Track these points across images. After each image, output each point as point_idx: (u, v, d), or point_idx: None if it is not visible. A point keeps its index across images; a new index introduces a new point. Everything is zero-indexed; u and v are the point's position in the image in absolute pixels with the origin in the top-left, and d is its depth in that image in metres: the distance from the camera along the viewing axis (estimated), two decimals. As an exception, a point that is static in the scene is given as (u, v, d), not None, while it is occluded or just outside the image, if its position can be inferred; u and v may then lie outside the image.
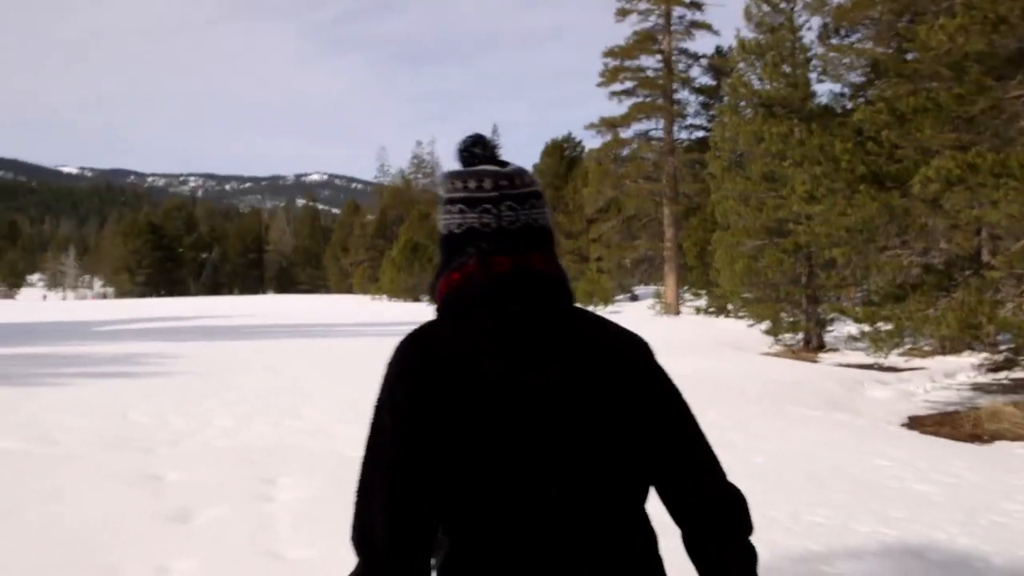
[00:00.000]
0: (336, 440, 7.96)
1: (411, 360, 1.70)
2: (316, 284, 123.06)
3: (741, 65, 27.10)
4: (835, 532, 5.62)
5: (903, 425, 13.69)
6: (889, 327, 14.90)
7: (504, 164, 1.81)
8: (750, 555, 1.76)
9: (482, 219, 1.75)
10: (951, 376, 19.34)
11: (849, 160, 13.66)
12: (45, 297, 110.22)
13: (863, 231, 14.84)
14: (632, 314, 47.14)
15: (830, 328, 27.42)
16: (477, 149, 1.82)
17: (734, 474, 4.54)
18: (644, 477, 1.78)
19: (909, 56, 20.27)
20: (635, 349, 1.84)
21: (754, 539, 1.78)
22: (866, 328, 15.14)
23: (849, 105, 25.38)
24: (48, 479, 6.02)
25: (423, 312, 2.24)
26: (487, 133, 1.85)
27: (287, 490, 5.98)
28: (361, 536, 1.66)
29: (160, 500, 5.58)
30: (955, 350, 22.46)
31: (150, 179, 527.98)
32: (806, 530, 5.61)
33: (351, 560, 1.65)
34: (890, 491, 7.11)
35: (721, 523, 1.77)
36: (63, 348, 17.31)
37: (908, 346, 15.55)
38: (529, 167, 2.21)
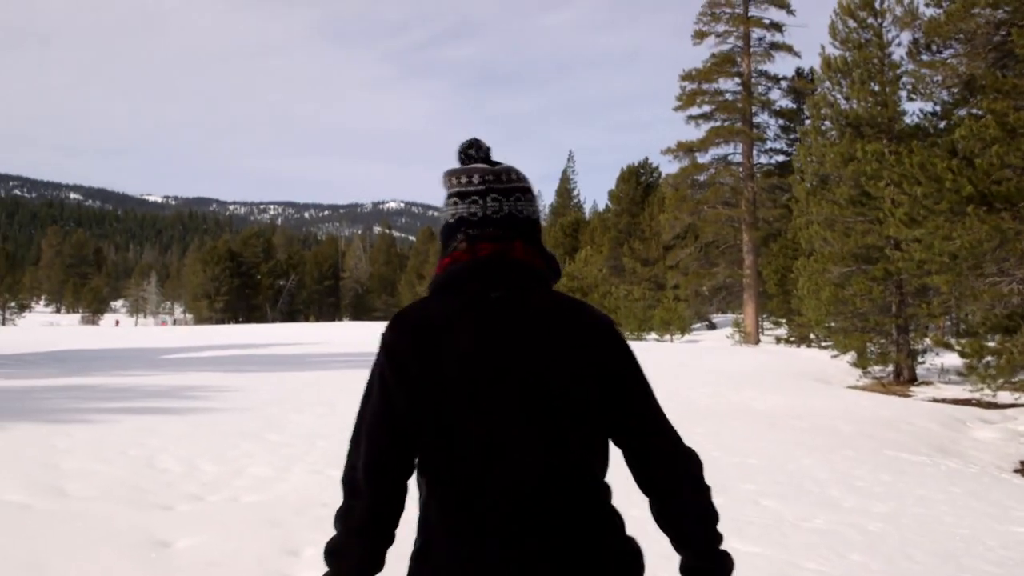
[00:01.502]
0: (378, 495, 7.04)
1: (394, 331, 1.96)
2: (391, 311, 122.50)
3: (826, 84, 25.93)
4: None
5: (1016, 471, 12.42)
6: (999, 361, 13.57)
7: (495, 164, 2.05)
8: (711, 516, 1.98)
9: (470, 209, 1.99)
10: (1060, 414, 17.91)
11: (954, 180, 12.45)
12: (117, 323, 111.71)
13: (969, 257, 13.56)
14: (710, 343, 45.81)
15: (921, 360, 25.98)
16: (472, 151, 2.06)
17: (847, 543, 5.19)
18: (603, 449, 1.99)
19: (1008, 72, 19.00)
20: (599, 323, 1.99)
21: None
22: (973, 362, 13.80)
23: (942, 124, 24.08)
24: (37, 541, 5.20)
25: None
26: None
27: (311, 567, 5.04)
28: (347, 477, 1.95)
29: (158, 576, 4.71)
30: (1061, 384, 20.92)
31: (231, 207, 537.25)
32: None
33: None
34: (1039, 573, 5.96)
35: (682, 489, 1.99)
36: (114, 379, 16.76)
37: (1001, 380, 14.29)
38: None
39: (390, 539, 1.98)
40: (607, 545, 1.94)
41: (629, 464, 2.04)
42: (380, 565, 1.97)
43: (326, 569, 1.95)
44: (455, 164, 2.06)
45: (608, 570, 1.93)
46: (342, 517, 1.95)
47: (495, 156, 2.07)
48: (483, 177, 2.00)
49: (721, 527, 2.00)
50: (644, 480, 2.05)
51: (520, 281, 1.96)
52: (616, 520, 2.01)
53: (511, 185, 2.02)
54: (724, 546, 2.01)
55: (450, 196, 2.04)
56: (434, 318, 1.94)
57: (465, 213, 1.99)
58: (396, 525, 1.99)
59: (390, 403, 1.91)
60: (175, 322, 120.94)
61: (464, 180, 2.01)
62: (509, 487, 1.85)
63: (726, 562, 1.98)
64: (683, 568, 2.02)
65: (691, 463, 2.01)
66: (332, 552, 1.95)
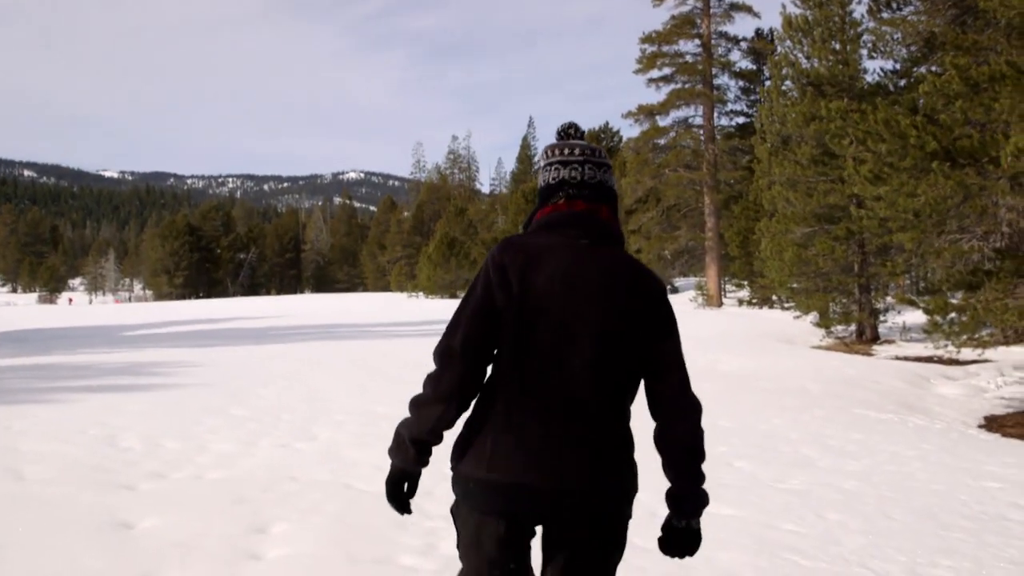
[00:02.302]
0: (349, 470, 6.87)
1: (504, 250, 2.48)
2: (353, 282, 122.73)
3: (787, 43, 25.82)
4: (971, 597, 4.47)
5: (981, 426, 12.51)
6: (962, 318, 13.60)
7: (586, 138, 2.66)
8: (699, 452, 2.50)
9: (571, 173, 2.56)
10: (1022, 369, 18.11)
11: (918, 136, 12.39)
12: (71, 301, 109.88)
13: (932, 214, 13.54)
14: (674, 307, 45.92)
15: (883, 318, 26.15)
16: (571, 130, 2.65)
17: (824, 503, 5.70)
18: (636, 382, 2.52)
19: (968, 28, 18.98)
20: (655, 283, 2.57)
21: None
22: (937, 319, 13.82)
23: (902, 83, 24.08)
24: (-6, 528, 5.00)
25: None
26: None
27: (278, 544, 4.88)
28: (443, 349, 2.46)
29: (121, 560, 4.51)
30: (1021, 340, 21.13)
31: (190, 181, 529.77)
32: (933, 593, 4.46)
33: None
34: (1017, 527, 5.92)
35: (684, 436, 2.50)
36: (74, 357, 16.37)
37: (964, 337, 14.33)
38: None
39: (465, 406, 2.51)
40: (622, 452, 2.49)
41: (648, 391, 2.56)
42: (452, 424, 2.52)
43: (407, 415, 2.53)
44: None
45: (620, 470, 2.47)
46: (433, 382, 2.49)
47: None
48: (583, 151, 2.60)
49: (707, 476, 2.59)
50: (655, 407, 2.56)
51: (604, 236, 2.56)
52: (631, 439, 2.54)
53: (603, 161, 2.63)
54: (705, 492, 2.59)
55: (551, 163, 2.62)
56: (532, 247, 2.48)
57: (567, 176, 2.57)
58: (473, 397, 2.52)
59: (491, 299, 2.45)
60: (130, 298, 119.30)
61: (567, 152, 2.60)
62: (561, 381, 2.40)
63: (701, 497, 2.54)
64: (667, 495, 2.58)
65: (694, 407, 2.54)
66: (417, 405, 2.51)
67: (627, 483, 2.49)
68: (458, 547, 2.54)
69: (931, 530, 5.73)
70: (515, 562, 2.44)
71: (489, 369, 2.52)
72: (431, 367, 2.53)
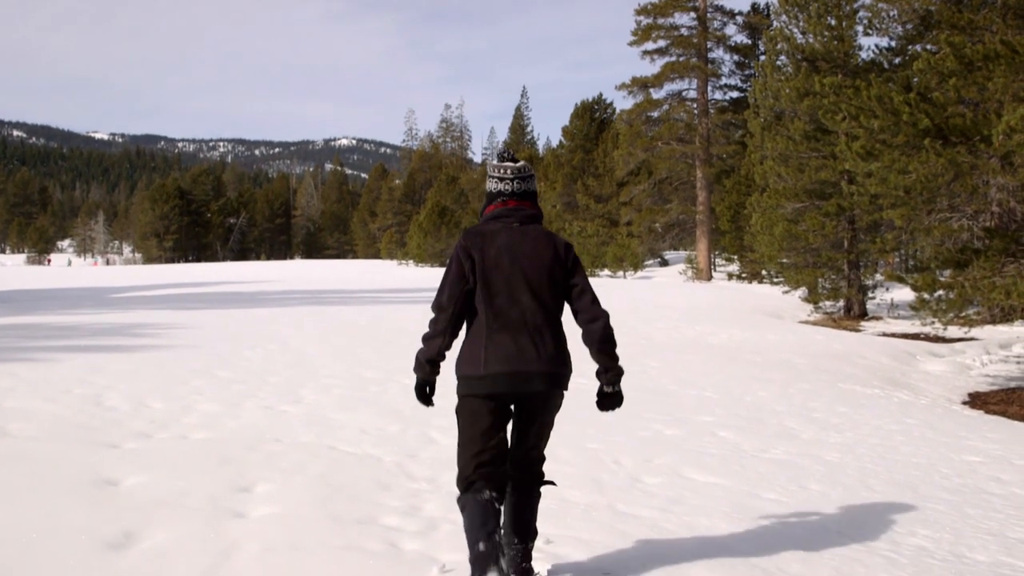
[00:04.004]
0: (333, 432, 6.88)
1: (464, 237, 3.86)
2: (344, 249, 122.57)
3: (783, 18, 25.73)
4: (949, 565, 4.48)
5: (964, 403, 12.60)
6: (950, 295, 13.65)
7: (517, 160, 3.98)
8: (610, 342, 3.86)
9: (506, 187, 3.94)
10: (1006, 347, 18.23)
11: (911, 113, 12.37)
12: (49, 262, 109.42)
13: (923, 191, 13.54)
14: (662, 280, 46.00)
15: (871, 295, 26.25)
16: (506, 155, 3.99)
17: (806, 473, 6.33)
18: (562, 303, 3.91)
19: (964, 7, 18.94)
20: (561, 242, 3.94)
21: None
22: (925, 296, 13.86)
23: (897, 60, 24.03)
24: (-22, 483, 5.00)
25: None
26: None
27: (262, 503, 4.90)
28: (436, 303, 3.82)
29: (104, 516, 4.52)
30: (1006, 319, 21.22)
31: (180, 144, 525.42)
32: (912, 561, 4.47)
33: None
34: (997, 500, 5.97)
35: (595, 327, 3.84)
36: (61, 317, 16.32)
37: (951, 314, 14.36)
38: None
39: (455, 336, 3.86)
40: (560, 347, 3.84)
41: (571, 308, 3.91)
42: (449, 348, 3.83)
43: (420, 346, 3.87)
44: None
45: (560, 358, 3.81)
46: (433, 324, 3.82)
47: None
48: (513, 171, 3.94)
49: (624, 364, 4.09)
50: (577, 316, 3.91)
51: (528, 219, 3.95)
52: (564, 340, 3.89)
53: (527, 175, 3.97)
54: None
55: (492, 177, 3.99)
56: (485, 232, 3.86)
57: (503, 188, 3.95)
58: (459, 331, 3.87)
59: (462, 268, 3.79)
60: (108, 262, 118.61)
61: (503, 172, 3.95)
62: (523, 311, 3.77)
63: (618, 370, 3.90)
64: (597, 372, 3.94)
65: (602, 313, 3.87)
66: (425, 339, 3.84)
67: (565, 367, 3.85)
68: (459, 427, 3.86)
69: (911, 501, 5.77)
70: (499, 427, 3.81)
71: (467, 312, 3.86)
72: (421, 331, 3.97)
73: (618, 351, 3.92)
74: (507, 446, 3.87)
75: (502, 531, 3.78)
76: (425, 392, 3.90)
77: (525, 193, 3.96)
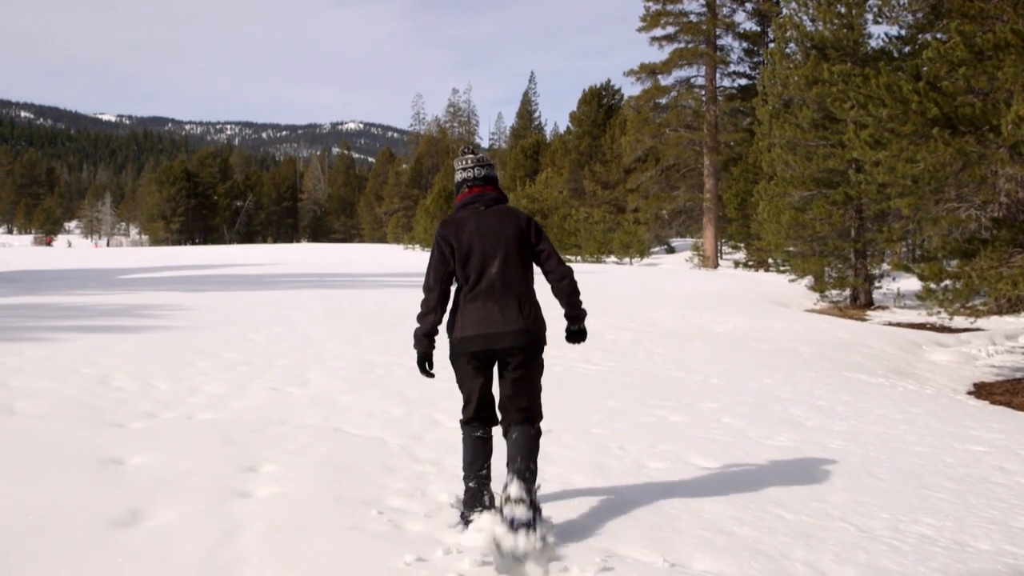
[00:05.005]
0: (339, 415, 6.90)
1: (441, 226, 4.49)
2: (350, 233, 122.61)
3: (793, 5, 25.57)
4: (952, 552, 4.49)
5: (970, 393, 12.57)
6: (957, 285, 13.61)
7: (477, 152, 4.65)
8: (575, 294, 4.59)
9: (468, 175, 4.60)
10: (1013, 338, 18.15)
11: (920, 102, 12.31)
12: (50, 243, 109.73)
13: (931, 180, 13.49)
14: (669, 267, 45.94)
15: (878, 284, 26.19)
16: (466, 149, 4.72)
17: (810, 462, 6.32)
18: (530, 265, 4.51)
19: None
20: (523, 216, 4.54)
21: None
22: (932, 286, 13.83)
23: (906, 49, 23.90)
24: (-15, 461, 5.02)
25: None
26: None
27: (268, 483, 4.91)
28: (426, 285, 4.46)
29: (111, 494, 4.54)
30: (1013, 310, 21.18)
31: (187, 127, 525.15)
32: (914, 548, 4.48)
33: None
34: (1001, 490, 5.97)
35: (563, 284, 4.54)
36: (68, 298, 16.36)
37: (957, 304, 14.34)
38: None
39: (444, 311, 4.49)
40: (533, 309, 4.46)
41: (541, 270, 4.57)
42: (440, 322, 4.49)
43: (416, 324, 4.50)
44: (461, 153, 4.74)
45: (533, 317, 4.43)
46: (424, 303, 4.46)
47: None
48: (474, 161, 4.61)
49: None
50: (547, 276, 4.58)
51: (491, 201, 4.56)
52: (537, 302, 4.51)
53: (486, 162, 4.64)
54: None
55: (458, 169, 4.64)
56: (458, 219, 4.49)
57: (467, 176, 4.60)
58: (445, 308, 4.50)
59: (443, 253, 4.44)
60: (108, 243, 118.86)
61: (465, 163, 4.62)
62: (491, 282, 4.38)
63: (581, 314, 4.66)
64: (564, 316, 4.67)
65: (567, 271, 4.57)
66: (419, 317, 4.47)
67: (539, 325, 4.46)
68: (456, 380, 4.55)
69: (915, 490, 5.77)
70: (482, 378, 4.46)
71: (452, 290, 4.50)
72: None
73: (581, 298, 4.69)
74: (491, 394, 4.55)
75: (506, 464, 4.30)
76: (425, 366, 4.52)
77: (486, 179, 4.62)
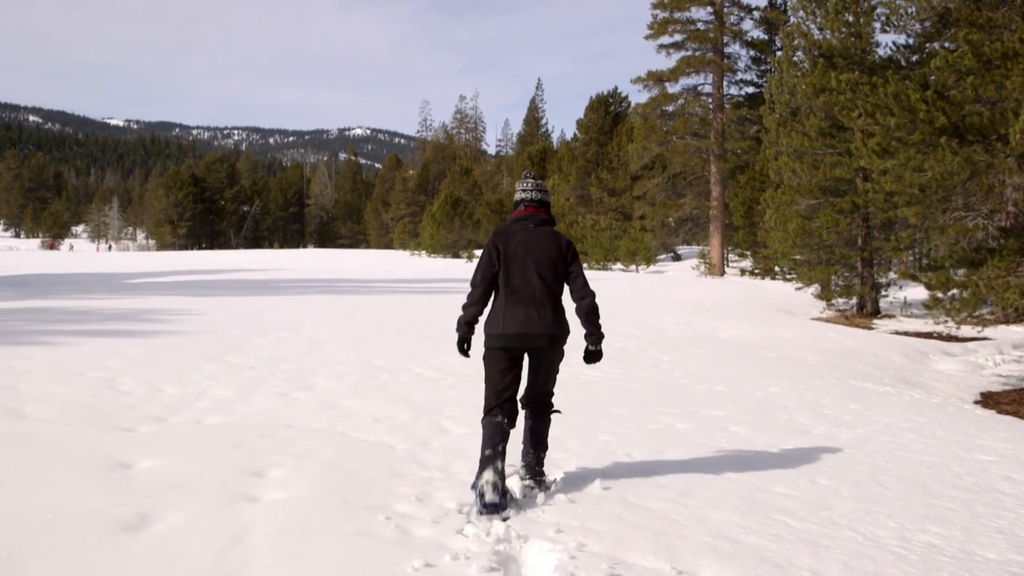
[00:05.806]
0: (345, 419, 6.92)
1: (494, 234, 5.28)
2: (356, 239, 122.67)
3: (800, 14, 25.60)
4: (959, 562, 4.48)
5: (977, 402, 12.55)
6: (964, 294, 13.60)
7: (537, 177, 5.53)
8: (595, 315, 5.22)
9: (526, 196, 5.39)
10: (1020, 348, 18.11)
11: (928, 111, 12.31)
12: (51, 246, 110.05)
13: (939, 189, 13.49)
14: (675, 274, 45.92)
15: (884, 293, 26.15)
16: (528, 173, 5.49)
17: (817, 471, 6.39)
18: (563, 280, 5.26)
19: (983, 5, 18.82)
20: (564, 240, 5.26)
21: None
22: (939, 295, 13.82)
23: (914, 58, 23.88)
24: (-6, 464, 5.04)
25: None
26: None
27: (275, 488, 4.93)
28: (473, 281, 5.23)
29: (119, 498, 4.56)
30: (1020, 319, 21.15)
31: (195, 132, 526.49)
32: (921, 557, 4.47)
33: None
34: (1009, 499, 5.95)
35: (584, 303, 5.21)
36: (76, 302, 16.40)
37: (964, 313, 14.31)
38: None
39: (485, 305, 5.21)
40: (561, 316, 5.19)
41: (569, 288, 5.24)
42: (481, 314, 5.21)
43: (460, 312, 5.30)
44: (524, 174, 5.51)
45: (560, 323, 5.17)
46: (469, 296, 5.19)
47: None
48: (533, 185, 5.37)
49: (605, 330, 6.02)
50: (572, 294, 5.21)
51: (541, 223, 5.27)
52: (563, 311, 5.22)
53: (542, 188, 5.40)
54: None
55: (519, 189, 5.41)
56: (509, 230, 5.24)
57: (525, 197, 5.35)
58: (487, 303, 5.22)
59: (491, 257, 5.16)
60: (110, 248, 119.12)
61: (526, 185, 5.37)
62: (528, 290, 5.11)
63: (599, 334, 5.22)
64: (584, 336, 5.21)
65: (591, 293, 5.21)
66: (464, 307, 5.22)
67: (561, 329, 5.16)
68: (485, 371, 5.19)
69: (922, 499, 5.77)
70: (515, 373, 5.15)
71: (493, 289, 5.22)
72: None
73: (601, 321, 5.26)
74: (518, 386, 5.21)
75: (522, 448, 5.36)
76: (463, 347, 5.25)
77: (540, 202, 5.36)
